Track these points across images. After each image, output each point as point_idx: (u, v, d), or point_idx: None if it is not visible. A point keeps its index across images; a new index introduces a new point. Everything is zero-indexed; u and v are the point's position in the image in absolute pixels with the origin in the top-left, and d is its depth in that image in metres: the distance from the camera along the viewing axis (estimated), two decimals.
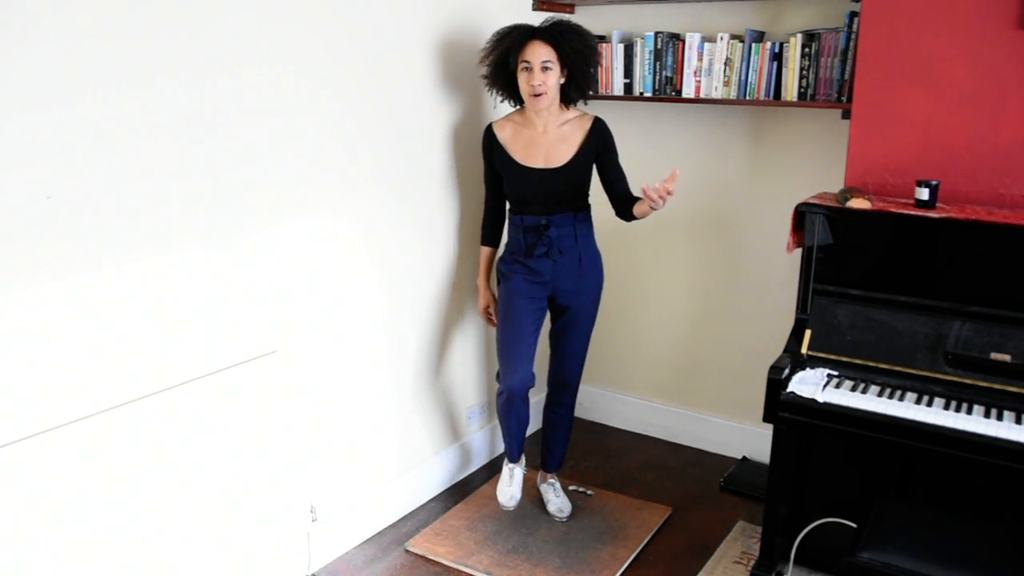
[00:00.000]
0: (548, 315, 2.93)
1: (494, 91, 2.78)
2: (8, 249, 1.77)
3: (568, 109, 2.76)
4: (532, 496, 3.12)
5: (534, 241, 2.74)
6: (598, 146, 2.74)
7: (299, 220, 2.46)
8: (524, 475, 3.04)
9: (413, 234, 2.90)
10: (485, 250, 2.96)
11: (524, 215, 2.76)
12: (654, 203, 2.50)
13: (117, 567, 2.02)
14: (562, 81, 2.66)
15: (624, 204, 2.78)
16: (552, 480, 3.07)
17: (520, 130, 2.75)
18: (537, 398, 3.63)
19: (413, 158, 2.85)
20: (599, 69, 3.27)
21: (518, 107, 2.80)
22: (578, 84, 2.71)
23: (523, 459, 3.03)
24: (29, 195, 1.79)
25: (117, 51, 1.91)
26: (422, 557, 2.78)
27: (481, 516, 3.01)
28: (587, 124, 2.75)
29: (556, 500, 3.02)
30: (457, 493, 3.20)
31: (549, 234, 2.73)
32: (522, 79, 2.63)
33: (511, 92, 2.74)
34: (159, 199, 2.06)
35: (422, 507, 3.10)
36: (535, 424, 3.67)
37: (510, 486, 2.99)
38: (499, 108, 3.03)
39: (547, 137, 2.72)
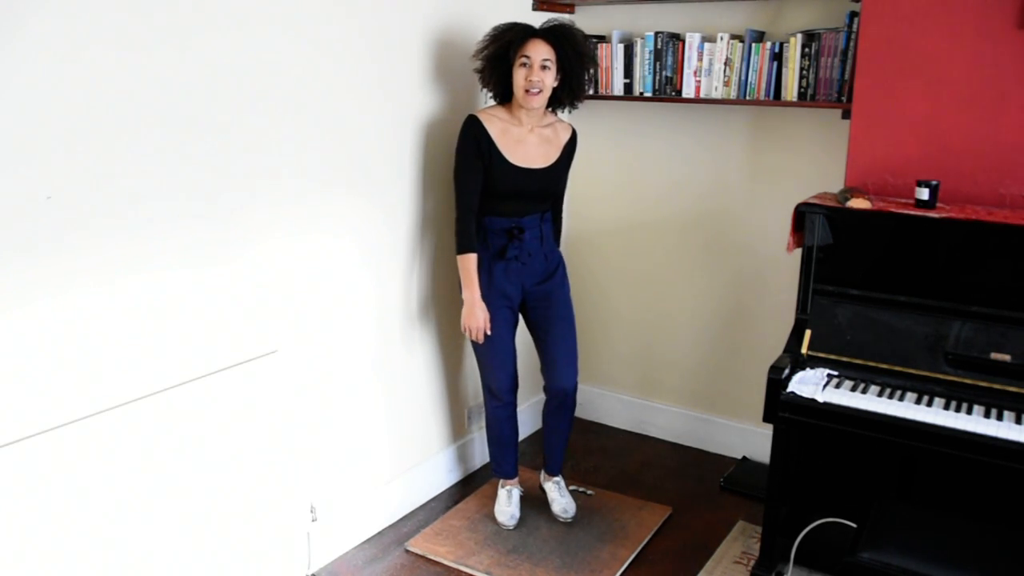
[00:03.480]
0: (525, 321, 2.92)
1: (486, 87, 2.75)
2: (8, 248, 1.77)
3: (548, 113, 2.78)
4: (532, 497, 3.12)
5: (506, 244, 2.72)
6: (571, 156, 2.83)
7: (299, 221, 2.46)
8: (521, 494, 3.05)
9: (411, 235, 2.90)
10: (470, 257, 2.68)
11: (495, 216, 2.72)
12: None
13: (117, 567, 2.02)
14: (556, 84, 2.66)
15: (553, 226, 2.89)
16: (557, 479, 3.06)
17: (508, 127, 2.71)
18: (532, 401, 3.63)
19: (410, 161, 2.84)
20: (596, 73, 3.27)
21: (504, 104, 2.76)
22: (571, 88, 2.70)
23: (518, 476, 3.04)
24: (29, 195, 1.79)
25: (121, 53, 1.91)
26: (422, 557, 2.78)
27: (481, 516, 3.01)
28: (568, 132, 2.82)
29: (561, 500, 3.01)
30: (457, 493, 3.20)
31: (523, 237, 2.73)
32: (519, 75, 2.60)
33: (503, 88, 2.71)
34: (161, 200, 2.06)
35: (422, 507, 3.10)
36: (534, 426, 3.67)
37: (509, 506, 2.98)
38: (491, 104, 3.02)
39: (532, 137, 2.73)
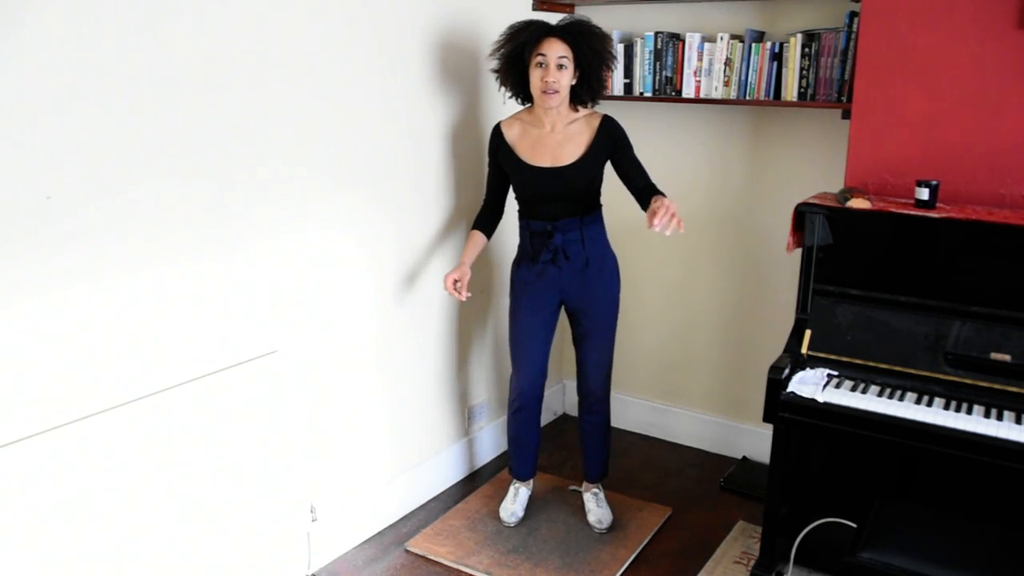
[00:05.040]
0: (568, 320, 2.90)
1: (504, 86, 2.71)
2: (8, 248, 1.77)
3: (577, 110, 2.70)
4: (534, 496, 3.12)
5: (540, 247, 2.70)
6: (608, 145, 2.67)
7: (299, 221, 2.46)
8: (530, 495, 3.05)
9: (413, 233, 2.90)
10: (474, 232, 2.80)
11: (530, 219, 2.72)
12: (660, 223, 2.33)
13: (117, 567, 2.02)
14: (574, 82, 2.61)
15: (647, 196, 2.66)
16: (596, 490, 3.02)
17: (528, 129, 2.69)
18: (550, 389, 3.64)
19: (411, 159, 2.85)
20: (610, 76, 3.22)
21: (527, 105, 2.74)
22: (590, 86, 2.64)
23: (532, 480, 3.04)
24: (29, 195, 1.79)
25: (124, 52, 1.91)
26: (422, 557, 2.78)
27: (481, 516, 3.01)
28: (595, 122, 2.68)
29: (597, 511, 2.97)
30: (457, 493, 3.20)
31: (554, 240, 2.68)
32: (535, 75, 2.56)
33: (521, 89, 2.68)
34: (161, 200, 2.06)
35: (422, 507, 3.10)
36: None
37: (513, 503, 2.98)
38: (508, 104, 3.00)
39: (555, 136, 2.67)
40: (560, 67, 2.54)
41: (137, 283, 2.04)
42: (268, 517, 2.42)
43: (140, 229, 2.02)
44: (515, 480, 3.03)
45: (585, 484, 3.07)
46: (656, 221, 2.27)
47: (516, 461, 3.01)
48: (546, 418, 3.74)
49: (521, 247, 2.81)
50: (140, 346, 2.06)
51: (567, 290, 2.76)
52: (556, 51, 2.53)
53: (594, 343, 2.83)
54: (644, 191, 2.64)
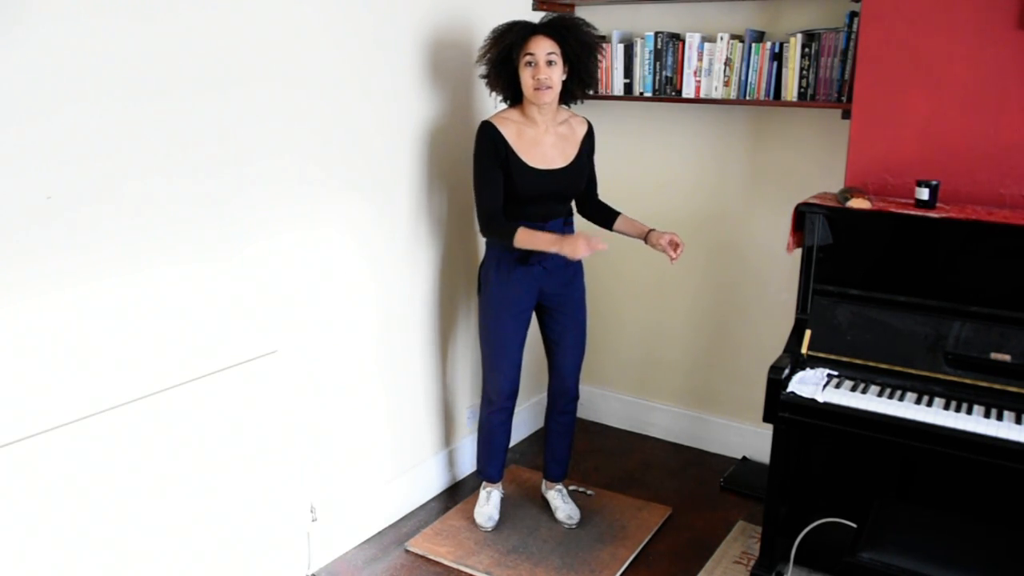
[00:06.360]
0: (539, 322, 2.90)
1: (495, 90, 2.69)
2: (7, 248, 1.77)
3: (563, 108, 2.71)
4: (532, 497, 3.12)
5: (529, 250, 2.67)
6: (591, 152, 2.78)
7: (299, 221, 2.46)
8: (502, 496, 3.03)
9: (413, 236, 2.90)
10: (522, 230, 2.56)
11: (518, 220, 2.66)
12: (670, 255, 2.67)
13: (117, 567, 2.02)
14: (564, 77, 2.60)
15: (595, 205, 2.88)
16: (559, 487, 3.05)
17: (522, 129, 2.65)
18: (532, 401, 3.63)
19: (413, 162, 2.85)
20: (600, 66, 3.21)
21: (515, 105, 2.71)
22: (581, 79, 2.64)
23: (501, 480, 3.02)
24: (29, 195, 1.79)
25: (123, 53, 1.91)
26: (422, 557, 2.78)
27: None
28: (583, 125, 2.74)
29: (565, 507, 2.98)
30: (457, 493, 3.20)
31: None
32: (526, 74, 2.54)
33: (513, 91, 2.66)
34: (161, 200, 2.06)
35: (422, 507, 3.10)
36: (534, 426, 3.67)
37: (487, 506, 2.96)
38: (500, 107, 3.00)
39: (548, 136, 2.66)
40: (549, 63, 2.53)
41: (137, 283, 2.04)
42: (268, 517, 2.42)
43: (140, 229, 2.02)
44: (486, 484, 3.00)
45: (547, 484, 3.07)
46: (676, 257, 2.67)
47: (490, 463, 2.96)
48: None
49: (500, 248, 2.72)
50: (140, 346, 2.06)
51: (547, 290, 2.76)
52: (544, 48, 2.52)
53: (572, 342, 2.86)
54: (593, 199, 2.88)
